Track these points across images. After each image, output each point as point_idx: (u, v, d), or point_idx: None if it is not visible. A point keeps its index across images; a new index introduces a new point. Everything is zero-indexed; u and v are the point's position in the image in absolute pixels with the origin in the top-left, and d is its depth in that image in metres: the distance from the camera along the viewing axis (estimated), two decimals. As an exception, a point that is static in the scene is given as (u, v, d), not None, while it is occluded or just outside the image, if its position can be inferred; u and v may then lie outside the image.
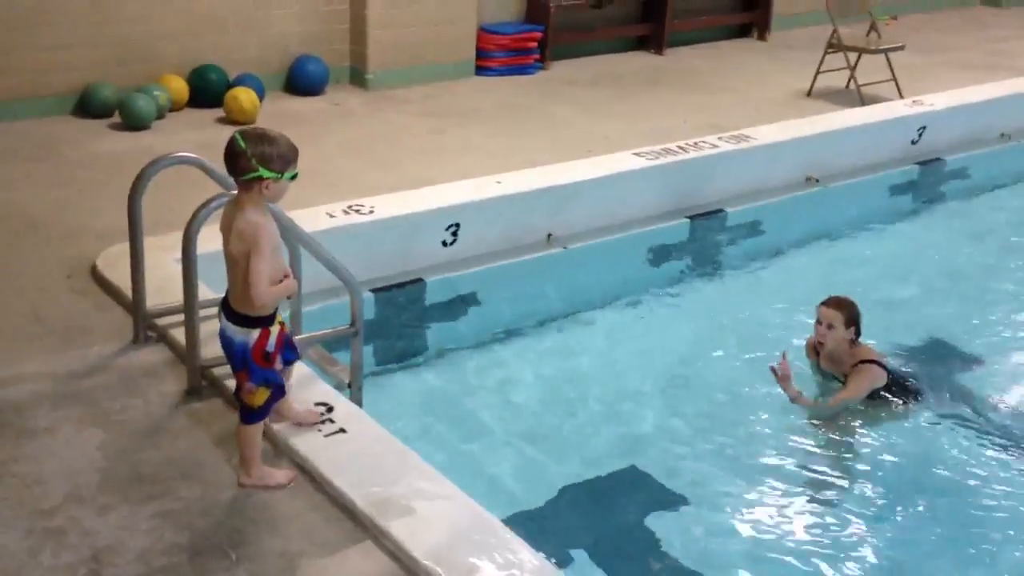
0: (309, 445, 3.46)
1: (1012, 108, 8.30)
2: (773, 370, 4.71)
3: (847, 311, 4.77)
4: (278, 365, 3.26)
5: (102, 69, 7.35)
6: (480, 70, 8.98)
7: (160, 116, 7.25)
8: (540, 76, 9.15)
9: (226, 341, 3.23)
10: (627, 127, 7.62)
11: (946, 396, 4.97)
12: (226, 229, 3.13)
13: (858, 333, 4.82)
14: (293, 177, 3.12)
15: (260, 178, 3.04)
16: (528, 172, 6.10)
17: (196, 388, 3.82)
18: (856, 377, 4.74)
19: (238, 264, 3.10)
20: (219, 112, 7.45)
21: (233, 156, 3.05)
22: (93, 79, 7.27)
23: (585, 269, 5.90)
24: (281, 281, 3.19)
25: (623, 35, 10.14)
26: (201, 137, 6.93)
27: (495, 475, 4.31)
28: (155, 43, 7.59)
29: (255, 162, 3.02)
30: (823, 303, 4.84)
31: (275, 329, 3.22)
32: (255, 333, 3.17)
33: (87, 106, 7.25)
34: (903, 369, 5.05)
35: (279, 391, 3.30)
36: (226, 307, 3.22)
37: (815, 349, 4.99)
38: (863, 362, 4.76)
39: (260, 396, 3.24)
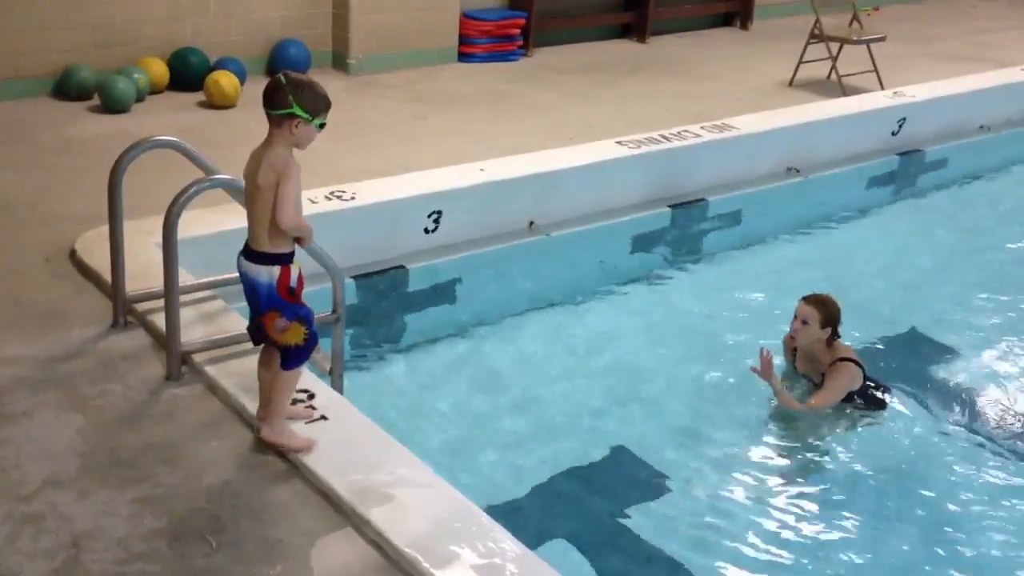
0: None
1: (992, 100, 8.35)
2: (755, 370, 4.66)
3: (824, 310, 4.71)
4: (304, 304, 3.32)
5: (81, 51, 7.28)
6: (463, 56, 8.95)
7: (140, 99, 7.20)
8: (523, 63, 9.13)
9: (249, 284, 3.29)
10: (610, 115, 7.62)
11: (921, 393, 4.98)
12: (254, 166, 3.21)
13: (836, 334, 4.77)
14: (321, 126, 3.23)
15: (292, 115, 3.15)
16: (511, 159, 6.09)
17: (176, 373, 3.81)
18: (833, 376, 4.69)
19: (265, 196, 3.17)
20: (199, 96, 7.40)
21: (272, 91, 3.18)
22: (72, 61, 7.21)
23: (567, 257, 5.90)
24: None
25: (606, 23, 10.13)
26: (181, 120, 6.89)
27: (477, 463, 4.31)
28: (135, 26, 7.53)
29: (292, 99, 3.14)
30: (803, 298, 4.80)
31: (295, 268, 3.29)
32: (276, 270, 3.24)
33: (66, 88, 7.18)
34: (876, 372, 5.03)
35: (314, 334, 3.34)
36: (247, 251, 3.28)
37: (792, 349, 4.94)
38: (840, 360, 4.73)
39: (297, 332, 3.28)
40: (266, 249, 3.24)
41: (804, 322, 4.73)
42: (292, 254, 3.29)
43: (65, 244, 4.83)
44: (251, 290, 3.30)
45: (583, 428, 4.63)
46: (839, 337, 4.80)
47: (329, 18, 8.40)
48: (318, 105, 3.19)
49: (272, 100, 3.17)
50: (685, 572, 3.81)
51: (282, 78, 3.18)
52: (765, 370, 4.62)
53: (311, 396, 3.62)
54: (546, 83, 8.50)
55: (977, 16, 12.09)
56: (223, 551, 3.01)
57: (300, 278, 3.32)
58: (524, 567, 2.95)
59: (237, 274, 4.27)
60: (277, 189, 3.14)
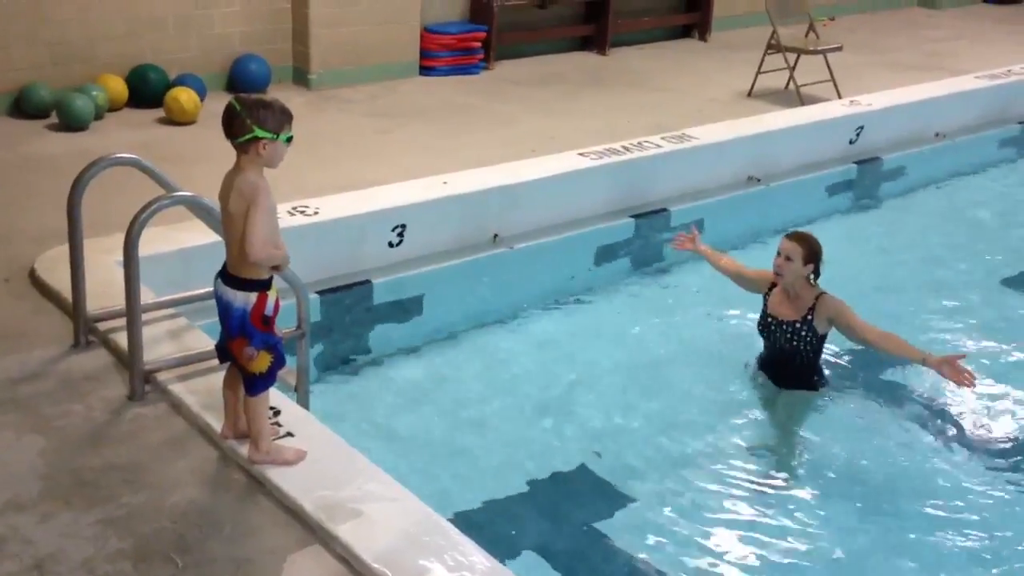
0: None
1: (947, 108, 8.47)
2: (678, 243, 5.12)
3: (807, 245, 4.73)
4: (277, 331, 3.30)
5: (39, 69, 7.21)
6: (424, 70, 8.96)
7: (98, 116, 7.14)
8: (484, 76, 9.15)
9: (224, 307, 3.25)
10: (572, 126, 7.65)
11: (882, 396, 5.04)
12: (225, 192, 3.18)
13: (817, 273, 4.78)
14: (289, 140, 3.19)
15: (256, 139, 3.10)
16: (474, 172, 6.10)
17: (139, 393, 3.77)
18: (839, 311, 4.68)
19: (236, 223, 3.14)
20: (159, 112, 7.36)
21: (229, 119, 3.12)
22: (29, 79, 7.14)
23: (531, 269, 5.91)
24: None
25: (567, 35, 10.18)
26: (140, 137, 6.85)
27: (445, 476, 4.31)
28: (93, 43, 7.47)
29: (250, 123, 3.09)
30: (786, 235, 4.83)
31: (272, 295, 3.26)
32: (253, 296, 3.21)
33: (23, 107, 7.11)
34: (838, 376, 5.09)
35: (280, 359, 3.33)
36: (224, 275, 3.25)
37: (768, 289, 4.95)
38: (824, 294, 4.74)
39: (262, 361, 3.26)
40: (243, 275, 3.20)
41: (788, 258, 4.72)
42: (270, 280, 3.26)
43: (25, 264, 4.78)
44: (224, 313, 3.27)
45: (552, 439, 4.64)
46: (819, 276, 4.80)
47: (289, 33, 8.38)
48: (279, 121, 3.14)
49: (231, 129, 3.12)
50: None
51: (235, 104, 3.12)
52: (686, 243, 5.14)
53: (276, 412, 3.60)
54: (507, 96, 8.53)
55: (931, 26, 12.28)
56: (190, 571, 2.98)
57: (276, 305, 3.28)
58: (493, 580, 2.95)
59: (199, 291, 4.29)
60: (247, 217, 3.11)
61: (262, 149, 3.12)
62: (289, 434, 3.50)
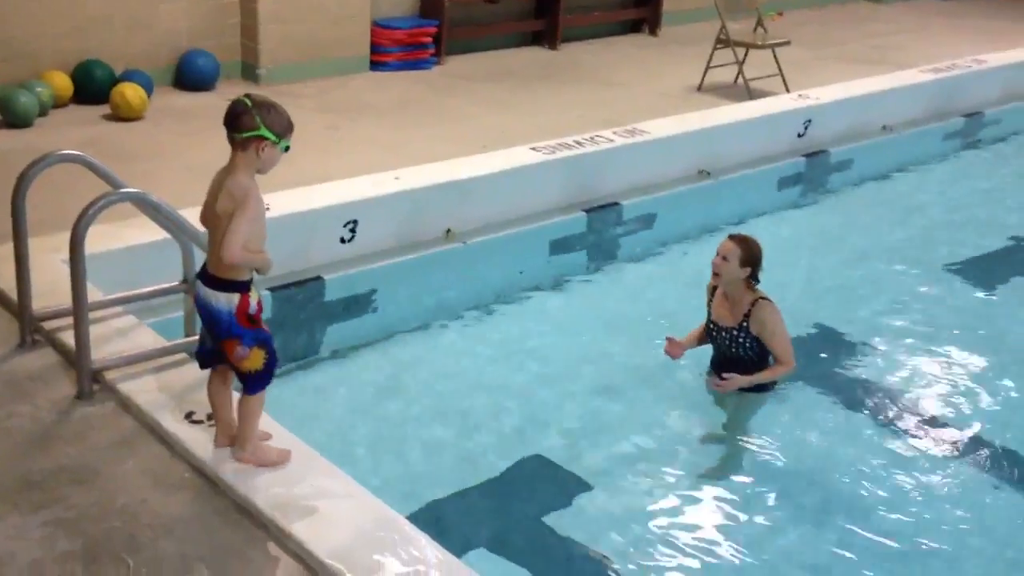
0: (207, 447, 3.40)
1: (893, 101, 8.59)
2: (669, 354, 4.86)
3: (745, 248, 4.70)
4: (265, 327, 3.26)
5: (-20, 65, 7.10)
6: (375, 65, 8.93)
7: (43, 113, 7.04)
8: (436, 71, 9.14)
9: (208, 310, 3.21)
10: (523, 121, 7.67)
11: (830, 389, 5.10)
12: (215, 190, 3.15)
13: (755, 278, 4.77)
14: (286, 148, 3.18)
15: (259, 138, 3.09)
16: (426, 167, 6.08)
17: (87, 392, 3.72)
18: (768, 319, 4.69)
19: (222, 224, 3.10)
20: (105, 109, 7.26)
21: (237, 114, 3.10)
22: (-30, 75, 7.02)
23: (484, 263, 5.91)
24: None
25: (517, 30, 10.20)
26: (86, 134, 6.75)
27: (398, 471, 4.30)
28: (37, 39, 7.36)
29: (258, 120, 3.08)
30: (729, 235, 4.81)
31: (254, 295, 3.23)
32: (236, 298, 3.18)
33: (-36, 103, 6.99)
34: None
35: (274, 355, 3.28)
36: (204, 276, 3.21)
37: (711, 292, 4.95)
38: (761, 299, 4.74)
39: (257, 358, 3.23)
40: (224, 275, 3.16)
41: (724, 258, 4.71)
42: (251, 281, 3.23)
43: (-33, 263, 4.69)
44: (209, 316, 3.23)
45: (504, 434, 4.65)
46: (758, 282, 4.80)
47: (237, 28, 8.30)
48: (284, 127, 3.14)
49: (238, 122, 3.09)
50: (612, 572, 3.85)
51: (247, 100, 3.10)
52: (674, 350, 4.86)
53: (228, 410, 3.57)
54: (459, 91, 8.52)
55: (877, 20, 12.46)
56: (141, 570, 2.95)
57: (260, 304, 3.25)
58: (449, 574, 2.95)
59: (147, 289, 4.24)
60: (230, 219, 3.08)
61: (261, 150, 3.10)
62: (242, 432, 3.47)
